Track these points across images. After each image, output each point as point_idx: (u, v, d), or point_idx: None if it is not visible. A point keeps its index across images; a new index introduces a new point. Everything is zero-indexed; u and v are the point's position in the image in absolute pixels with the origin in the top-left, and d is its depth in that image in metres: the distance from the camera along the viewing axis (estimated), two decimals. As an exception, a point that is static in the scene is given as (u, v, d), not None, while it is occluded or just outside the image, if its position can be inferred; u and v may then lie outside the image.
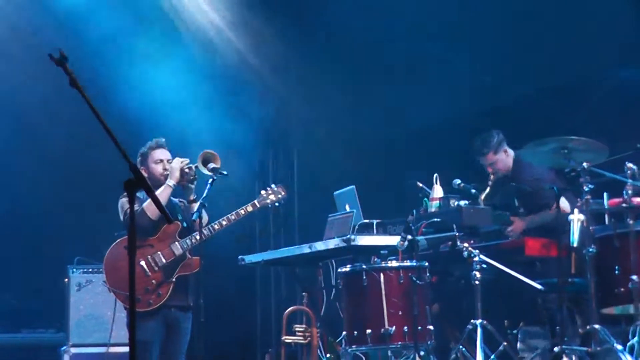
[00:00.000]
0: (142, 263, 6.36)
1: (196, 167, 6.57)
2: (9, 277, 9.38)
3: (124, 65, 9.21)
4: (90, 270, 8.14)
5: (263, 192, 6.91)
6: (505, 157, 7.63)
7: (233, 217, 6.64)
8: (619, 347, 6.16)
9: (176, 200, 6.68)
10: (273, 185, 6.97)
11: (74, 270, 8.18)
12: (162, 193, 6.36)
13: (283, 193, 6.92)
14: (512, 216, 7.43)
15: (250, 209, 6.73)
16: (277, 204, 6.95)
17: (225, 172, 6.58)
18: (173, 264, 6.44)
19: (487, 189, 7.50)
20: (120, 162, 3.74)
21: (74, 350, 7.98)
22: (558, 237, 6.60)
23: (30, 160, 9.43)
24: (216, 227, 6.56)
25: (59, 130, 9.23)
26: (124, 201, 6.43)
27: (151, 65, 9.32)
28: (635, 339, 6.12)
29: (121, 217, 6.48)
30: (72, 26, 8.87)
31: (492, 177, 7.55)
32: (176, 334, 6.47)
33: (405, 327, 6.41)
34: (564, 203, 7.01)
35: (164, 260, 6.42)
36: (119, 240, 6.46)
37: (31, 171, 9.41)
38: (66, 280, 8.17)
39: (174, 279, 6.41)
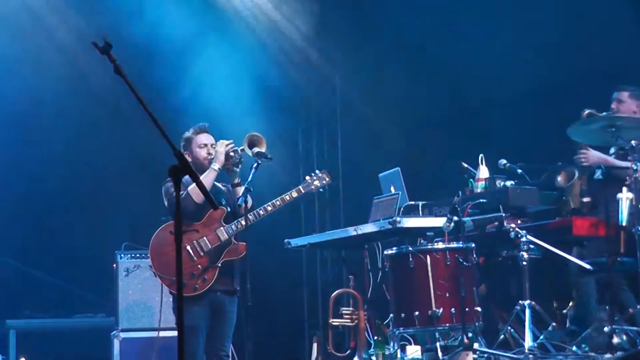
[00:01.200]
0: (188, 248, 6.38)
1: (242, 150, 6.57)
2: (61, 263, 9.51)
3: (170, 51, 9.24)
4: (138, 255, 8.20)
5: (307, 177, 6.90)
6: (634, 110, 7.18)
7: (278, 203, 6.64)
8: (670, 326, 6.10)
9: (219, 184, 6.70)
10: (317, 171, 6.94)
11: (122, 255, 8.24)
12: (207, 177, 6.37)
13: (327, 179, 6.90)
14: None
15: (295, 194, 6.72)
16: (321, 190, 6.94)
17: (270, 157, 6.57)
18: (218, 249, 6.46)
19: (599, 114, 7.19)
20: (167, 147, 3.76)
21: (123, 334, 8.05)
22: (606, 212, 6.51)
23: (78, 148, 9.52)
24: (261, 212, 6.56)
25: (107, 117, 9.31)
26: (168, 186, 6.44)
27: (194, 50, 9.34)
28: (687, 318, 6.05)
29: (165, 203, 6.50)
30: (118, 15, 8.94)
31: (609, 113, 7.13)
32: (223, 318, 6.49)
33: (453, 309, 6.39)
34: None
35: (209, 246, 6.44)
36: (164, 225, 6.48)
37: (81, 159, 9.51)
38: (115, 265, 8.24)
39: (219, 264, 6.43)
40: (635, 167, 6.27)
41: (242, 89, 9.56)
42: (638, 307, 6.27)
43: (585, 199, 7.23)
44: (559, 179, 7.28)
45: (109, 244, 8.52)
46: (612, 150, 7.17)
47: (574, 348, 6.41)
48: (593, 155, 7.12)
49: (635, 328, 6.27)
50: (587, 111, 7.20)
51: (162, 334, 7.67)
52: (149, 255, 6.50)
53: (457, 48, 9.01)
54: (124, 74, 3.78)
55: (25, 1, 9.17)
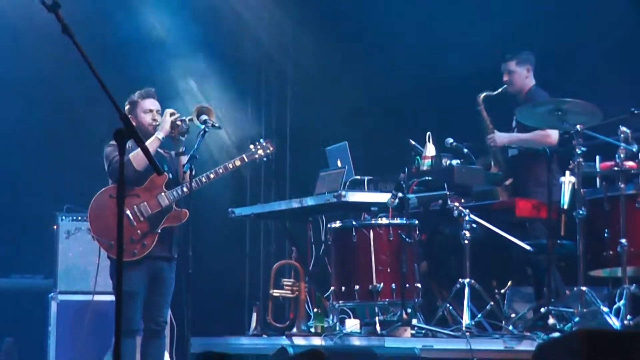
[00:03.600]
0: (128, 213, 6.33)
1: (190, 120, 6.53)
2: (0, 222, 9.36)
3: (116, 10, 9.09)
4: (80, 218, 8.11)
5: (251, 146, 6.91)
6: (525, 76, 7.45)
7: (221, 171, 6.63)
8: (605, 309, 6.20)
9: (161, 151, 6.65)
10: (262, 140, 6.98)
11: (63, 217, 8.15)
12: (150, 145, 6.28)
13: (271, 148, 6.94)
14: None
15: (238, 163, 6.74)
16: (264, 159, 6.98)
17: (218, 125, 6.56)
18: (159, 215, 6.43)
19: (494, 92, 7.44)
20: (111, 109, 3.71)
21: (61, 297, 7.98)
22: (548, 195, 6.61)
23: (22, 105, 9.36)
24: (204, 179, 6.55)
25: (50, 76, 9.14)
26: (109, 150, 6.39)
27: (145, 12, 9.19)
28: (622, 302, 6.15)
29: (106, 166, 6.45)
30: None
31: (504, 87, 7.43)
32: (160, 284, 6.48)
33: (393, 285, 6.44)
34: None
35: (149, 211, 6.41)
36: (105, 188, 6.44)
37: (23, 116, 9.34)
38: (55, 227, 8.15)
39: (159, 230, 6.41)
40: (578, 152, 6.35)
41: (191, 57, 9.44)
42: (575, 289, 6.35)
43: (508, 182, 7.36)
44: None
45: (50, 205, 8.41)
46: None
47: (510, 327, 6.49)
48: (499, 136, 7.29)
49: (571, 309, 6.36)
50: (482, 95, 7.37)
51: (99, 298, 7.62)
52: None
53: (407, 27, 9.01)
54: (72, 34, 3.72)
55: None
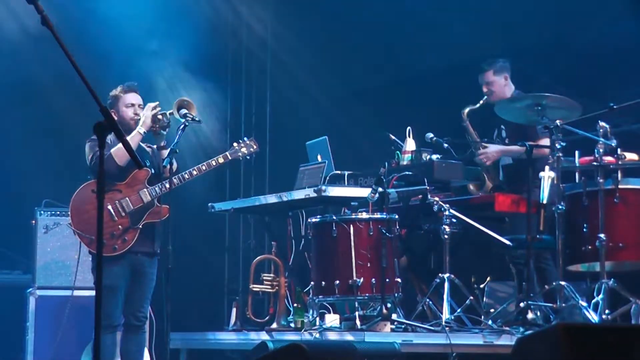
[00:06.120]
0: (110, 208, 6.32)
1: (170, 113, 6.52)
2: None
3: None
4: (59, 213, 8.07)
5: (235, 144, 6.91)
6: (504, 84, 7.38)
7: (204, 168, 6.63)
8: (584, 304, 6.23)
9: (144, 145, 6.63)
10: (245, 138, 6.97)
11: (42, 212, 8.11)
12: (132, 140, 6.27)
13: (255, 147, 6.94)
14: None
15: (221, 160, 6.73)
16: (247, 157, 6.97)
17: (198, 119, 6.55)
18: (140, 211, 6.41)
19: (477, 105, 7.41)
20: (91, 104, 3.69)
21: (39, 292, 7.94)
22: (527, 191, 6.61)
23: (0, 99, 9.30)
24: (186, 176, 6.54)
25: (30, 68, 9.08)
26: (91, 145, 6.37)
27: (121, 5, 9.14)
28: (600, 296, 6.18)
29: (87, 161, 6.42)
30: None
31: (485, 98, 7.39)
32: (142, 279, 6.47)
33: (373, 279, 6.44)
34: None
35: (131, 207, 6.39)
36: (86, 183, 6.41)
37: (0, 111, 9.28)
38: (33, 222, 8.11)
39: (140, 226, 6.40)
40: (558, 147, 6.37)
41: (170, 52, 9.41)
42: (554, 283, 6.38)
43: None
44: (471, 187, 7.39)
45: (29, 200, 8.37)
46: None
47: (490, 322, 6.51)
48: (492, 152, 7.25)
49: (550, 304, 6.39)
50: (466, 110, 7.36)
51: (79, 293, 7.59)
52: (69, 212, 6.43)
53: (390, 19, 9.01)
54: (51, 25, 3.69)
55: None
